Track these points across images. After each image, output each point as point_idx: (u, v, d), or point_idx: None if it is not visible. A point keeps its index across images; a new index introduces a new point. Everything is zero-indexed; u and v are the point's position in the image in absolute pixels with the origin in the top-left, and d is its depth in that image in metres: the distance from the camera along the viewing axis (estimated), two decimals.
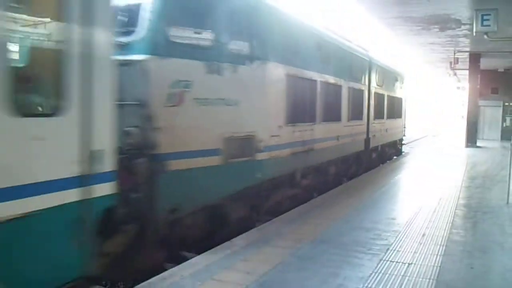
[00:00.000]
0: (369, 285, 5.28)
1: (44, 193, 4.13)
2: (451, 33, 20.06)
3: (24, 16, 4.51)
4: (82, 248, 4.60)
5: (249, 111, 7.83)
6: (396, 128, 21.14)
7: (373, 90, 16.20)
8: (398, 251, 6.60)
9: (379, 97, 17.23)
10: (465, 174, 14.90)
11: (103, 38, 4.68)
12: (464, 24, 17.71)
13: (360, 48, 15.28)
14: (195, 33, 6.66)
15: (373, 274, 5.65)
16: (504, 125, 32.60)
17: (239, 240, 7.06)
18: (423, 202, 10.09)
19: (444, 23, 18.03)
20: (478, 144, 26.45)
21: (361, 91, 14.81)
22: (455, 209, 9.45)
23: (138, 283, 5.42)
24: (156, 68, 6.06)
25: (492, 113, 32.52)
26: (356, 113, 14.20)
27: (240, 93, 7.60)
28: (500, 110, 32.61)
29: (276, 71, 8.84)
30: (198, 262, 6.11)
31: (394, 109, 20.20)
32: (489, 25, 14.33)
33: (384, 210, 9.29)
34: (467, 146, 25.90)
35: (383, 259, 6.23)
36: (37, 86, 4.41)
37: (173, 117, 6.27)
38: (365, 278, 5.50)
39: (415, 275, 5.62)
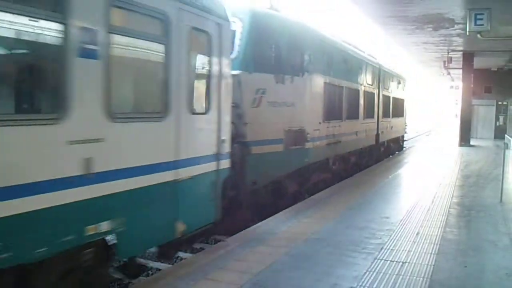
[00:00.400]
0: (363, 284, 5.29)
1: (202, 164, 6.51)
2: (444, 32, 20.12)
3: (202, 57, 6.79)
4: (216, 202, 6.91)
5: (300, 110, 10.43)
6: (399, 126, 24.14)
7: (381, 93, 18.86)
8: (392, 250, 6.61)
9: (386, 99, 20.01)
10: (458, 173, 14.96)
11: (227, 61, 7.15)
12: (458, 23, 17.75)
13: (371, 57, 17.80)
14: (268, 54, 9.36)
15: (367, 273, 5.66)
16: (498, 124, 32.75)
17: (233, 240, 7.06)
18: (417, 201, 10.12)
19: (437, 22, 18.07)
20: (471, 143, 26.56)
21: (373, 94, 17.46)
22: (449, 208, 9.48)
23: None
24: (245, 80, 8.43)
25: (485, 112, 32.67)
26: (369, 113, 16.84)
27: (295, 97, 10.16)
28: (494, 109, 32.76)
29: (318, 80, 11.50)
30: (192, 261, 6.10)
31: (398, 109, 23.07)
32: (482, 24, 14.39)
33: (377, 209, 9.31)
34: (460, 145, 26.00)
35: (377, 258, 6.23)
36: (197, 96, 6.56)
37: (254, 115, 8.66)
38: (359, 277, 5.50)
39: (409, 274, 5.62)
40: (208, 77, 6.71)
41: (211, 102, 6.74)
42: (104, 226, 4.79)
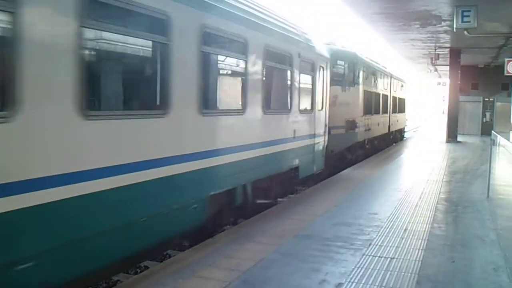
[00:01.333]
0: (352, 280, 5.30)
1: (320, 136, 12.11)
2: (431, 29, 20.20)
3: (322, 80, 12.56)
4: (324, 158, 12.70)
5: (353, 108, 16.97)
6: (402, 119, 31.34)
7: (391, 94, 25.56)
8: (380, 246, 6.63)
9: (394, 99, 26.59)
10: (446, 169, 15.06)
11: (328, 81, 13.05)
12: (445, 20, 17.83)
13: (384, 68, 23.93)
14: (338, 74, 16.29)
15: (356, 269, 5.67)
16: (484, 120, 33.01)
17: (222, 237, 7.04)
18: (404, 197, 10.17)
19: (425, 19, 18.13)
20: (458, 139, 26.74)
21: (387, 96, 24.14)
22: (437, 204, 9.54)
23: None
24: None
25: (472, 108, 32.89)
26: (384, 110, 23.50)
27: (350, 99, 16.69)
28: (480, 105, 33.00)
29: (361, 89, 17.90)
30: (181, 259, 6.08)
31: (401, 107, 29.92)
32: (469, 21, 14.46)
33: (366, 205, 9.34)
34: (448, 141, 26.17)
35: (366, 254, 6.25)
36: (320, 100, 12.21)
37: (332, 111, 13.91)
38: (347, 273, 5.51)
39: (397, 270, 5.65)
40: (322, 90, 12.29)
41: (324, 103, 12.51)
42: (296, 161, 10.48)
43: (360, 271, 5.59)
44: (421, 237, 7.07)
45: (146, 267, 6.72)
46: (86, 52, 4.91)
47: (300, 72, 10.39)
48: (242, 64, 8.08)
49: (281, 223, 7.82)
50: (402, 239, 6.98)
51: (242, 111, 8.04)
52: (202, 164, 6.74)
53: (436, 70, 32.43)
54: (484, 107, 33.01)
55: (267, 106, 8.95)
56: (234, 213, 8.44)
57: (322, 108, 12.26)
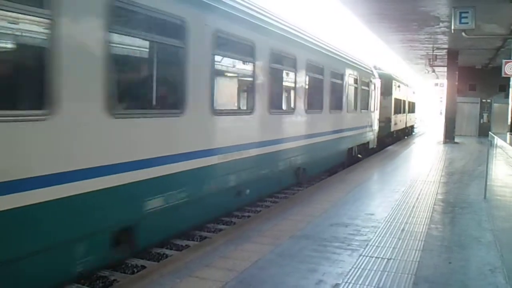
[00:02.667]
0: (349, 281, 5.29)
1: (373, 128, 21.68)
2: (429, 30, 20.23)
3: (374, 92, 21.56)
4: (376, 139, 22.55)
5: (388, 109, 26.68)
6: (414, 118, 43.56)
7: (407, 100, 35.35)
8: (377, 246, 6.63)
9: (409, 103, 36.55)
10: (443, 170, 15.07)
11: (380, 93, 24.02)
12: (443, 21, 17.86)
13: (403, 80, 33.13)
14: (383, 88, 24.76)
15: (353, 269, 5.67)
16: (482, 122, 33.03)
17: (219, 237, 7.03)
18: (401, 197, 10.17)
19: (423, 20, 18.16)
20: (456, 140, 26.76)
21: (405, 101, 33.43)
22: (434, 205, 9.54)
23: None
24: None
25: (469, 109, 32.90)
26: (404, 110, 33.03)
27: (387, 104, 26.55)
28: (478, 106, 33.02)
29: (393, 97, 27.44)
30: (177, 259, 6.07)
31: (413, 108, 41.48)
32: (467, 23, 14.50)
33: (363, 206, 9.34)
34: (445, 142, 26.21)
35: (363, 254, 6.25)
36: (374, 104, 21.82)
37: (379, 111, 23.75)
38: (344, 274, 5.51)
39: (394, 270, 5.64)
40: (375, 98, 20.68)
41: (375, 106, 21.02)
42: (367, 138, 19.91)
43: (357, 272, 5.59)
44: (418, 238, 7.07)
45: (143, 267, 6.71)
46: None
47: (368, 88, 19.51)
48: (348, 87, 16.21)
49: (278, 223, 7.81)
50: (399, 239, 6.98)
51: (353, 110, 17.11)
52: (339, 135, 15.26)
53: (433, 71, 32.48)
54: (481, 108, 33.02)
55: (359, 108, 17.86)
56: (353, 159, 17.38)
57: (375, 109, 21.33)
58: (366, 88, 18.87)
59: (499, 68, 15.33)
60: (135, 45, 6.20)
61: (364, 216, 8.41)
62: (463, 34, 15.73)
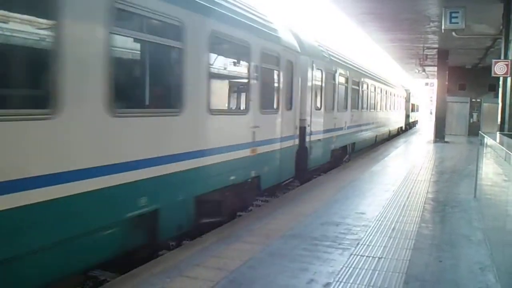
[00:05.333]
0: (340, 280, 5.29)
1: (406, 118, 41.46)
2: (420, 30, 20.29)
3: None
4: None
5: (408, 110, 42.48)
6: (418, 115, 57.46)
7: (411, 102, 45.86)
8: (368, 245, 6.64)
9: (413, 105, 49.22)
10: (433, 169, 15.14)
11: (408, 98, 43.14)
12: (433, 21, 17.92)
13: (411, 90, 47.06)
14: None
15: (344, 268, 5.67)
16: (471, 121, 33.21)
17: (209, 236, 7.01)
18: (392, 196, 10.19)
19: (413, 20, 18.22)
20: (446, 139, 26.91)
21: (414, 104, 49.31)
22: (424, 204, 9.58)
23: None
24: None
25: (459, 109, 33.08)
26: (412, 110, 48.27)
27: (407, 106, 42.26)
28: (467, 106, 33.19)
29: (410, 102, 44.71)
30: (168, 258, 6.03)
31: (417, 108, 54.75)
32: (457, 22, 14.55)
33: (353, 205, 9.35)
34: (435, 141, 26.33)
35: (354, 253, 6.25)
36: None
37: (403, 110, 39.45)
38: (335, 273, 5.50)
39: (385, 269, 5.65)
40: (405, 103, 41.64)
41: (407, 109, 42.96)
42: (401, 126, 38.27)
43: (348, 271, 5.59)
44: (409, 237, 7.08)
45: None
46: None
47: (404, 97, 37.73)
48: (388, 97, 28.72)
49: (268, 222, 7.79)
50: (390, 238, 6.99)
51: (383, 110, 26.39)
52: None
53: (424, 70, 32.61)
54: (471, 107, 33.20)
55: (388, 108, 27.91)
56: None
57: (402, 108, 35.97)
58: (402, 98, 37.40)
59: (488, 68, 15.35)
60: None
61: (355, 215, 8.42)
62: (453, 34, 15.78)
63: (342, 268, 5.66)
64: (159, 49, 6.35)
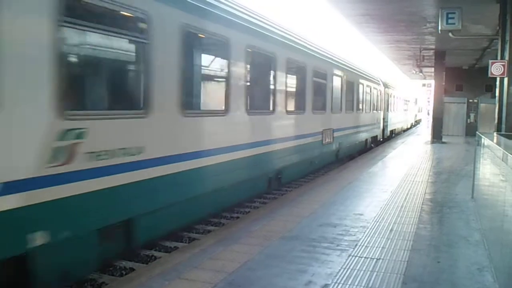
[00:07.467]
0: (338, 281, 5.29)
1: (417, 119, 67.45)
2: (417, 30, 20.35)
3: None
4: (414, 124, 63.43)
5: (416, 111, 68.30)
6: (421, 115, 76.56)
7: (418, 105, 72.18)
8: (366, 246, 6.64)
9: (415, 107, 66.18)
10: (431, 170, 15.15)
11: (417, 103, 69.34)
12: (430, 22, 17.97)
13: (415, 95, 65.90)
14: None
15: (342, 270, 5.67)
16: (468, 121, 33.25)
17: (207, 238, 7.00)
18: (390, 197, 10.20)
19: (410, 21, 18.27)
20: (443, 140, 26.94)
21: (418, 106, 72.07)
22: (422, 204, 9.58)
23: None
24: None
25: (457, 109, 33.13)
26: (416, 111, 69.50)
27: (416, 108, 67.43)
28: (465, 106, 33.24)
29: (417, 106, 70.54)
30: (166, 261, 6.02)
31: (420, 110, 75.71)
32: (454, 23, 14.61)
33: (351, 206, 9.35)
34: (432, 142, 26.37)
35: (352, 254, 6.26)
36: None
37: (414, 112, 64.01)
38: (333, 274, 5.50)
39: (383, 270, 5.65)
40: (415, 107, 63.45)
41: (417, 110, 69.45)
42: (413, 123, 62.14)
43: (346, 272, 5.59)
44: (406, 238, 7.09)
45: (132, 269, 6.67)
46: None
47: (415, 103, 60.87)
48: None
49: (266, 224, 7.79)
50: (388, 239, 7.00)
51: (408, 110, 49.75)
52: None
53: (421, 71, 32.66)
54: (468, 108, 33.25)
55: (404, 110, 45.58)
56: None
57: (413, 111, 55.48)
58: (412, 103, 49.60)
59: (485, 69, 15.40)
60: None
61: (353, 216, 8.42)
62: (450, 34, 15.84)
63: (340, 270, 5.67)
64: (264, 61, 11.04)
